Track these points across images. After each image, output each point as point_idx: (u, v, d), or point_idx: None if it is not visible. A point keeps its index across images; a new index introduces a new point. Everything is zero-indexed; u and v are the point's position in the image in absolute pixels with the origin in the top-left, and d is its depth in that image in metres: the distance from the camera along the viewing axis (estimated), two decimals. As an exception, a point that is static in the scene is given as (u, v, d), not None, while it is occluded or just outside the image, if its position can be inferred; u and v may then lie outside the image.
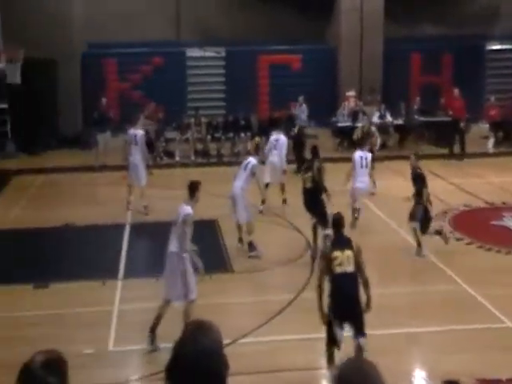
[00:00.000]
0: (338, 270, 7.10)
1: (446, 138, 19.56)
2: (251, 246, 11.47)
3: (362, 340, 7.10)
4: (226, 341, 8.24)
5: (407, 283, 10.29)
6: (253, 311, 9.37)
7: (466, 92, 21.54)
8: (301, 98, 19.94)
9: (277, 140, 14.70)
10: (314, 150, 12.03)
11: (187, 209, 8.42)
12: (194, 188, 8.54)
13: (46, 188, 16.31)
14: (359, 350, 7.11)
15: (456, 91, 19.59)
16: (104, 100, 19.17)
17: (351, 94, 20.82)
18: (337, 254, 7.14)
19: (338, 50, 22.15)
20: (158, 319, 8.37)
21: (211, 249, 12.07)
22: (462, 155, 18.87)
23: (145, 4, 21.63)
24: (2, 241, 12.72)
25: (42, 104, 19.86)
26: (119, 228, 12.94)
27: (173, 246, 8.49)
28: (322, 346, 8.28)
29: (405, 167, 17.52)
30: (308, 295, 9.76)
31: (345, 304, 7.16)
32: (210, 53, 22.28)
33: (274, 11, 21.78)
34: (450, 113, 19.58)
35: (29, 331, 8.85)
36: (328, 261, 7.17)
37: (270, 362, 8.04)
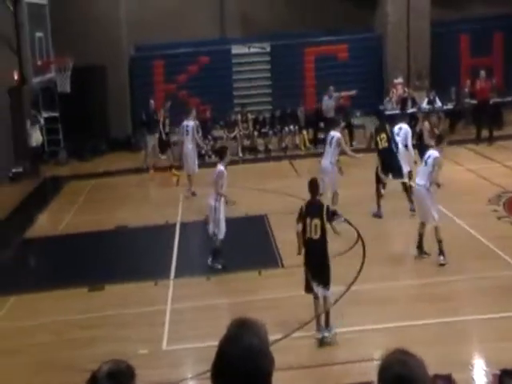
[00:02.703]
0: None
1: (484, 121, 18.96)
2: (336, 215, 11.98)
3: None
4: (278, 335, 8.30)
5: (462, 270, 10.02)
6: (304, 305, 9.29)
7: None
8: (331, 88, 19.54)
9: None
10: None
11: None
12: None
13: (98, 192, 16.63)
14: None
15: (482, 73, 19.14)
16: (152, 102, 19.39)
17: (399, 80, 20.44)
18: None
19: (384, 36, 21.79)
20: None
21: (261, 244, 12.11)
22: (490, 139, 18.21)
23: (188, 2, 21.79)
24: (56, 246, 13.06)
25: (92, 110, 20.29)
26: (170, 228, 13.08)
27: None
28: (371, 338, 8.22)
29: (456, 153, 17.23)
30: (359, 287, 9.69)
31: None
32: (254, 49, 22.25)
33: (317, 1, 21.57)
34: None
35: (84, 333, 9.06)
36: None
37: (323, 355, 8.01)
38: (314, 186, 8.41)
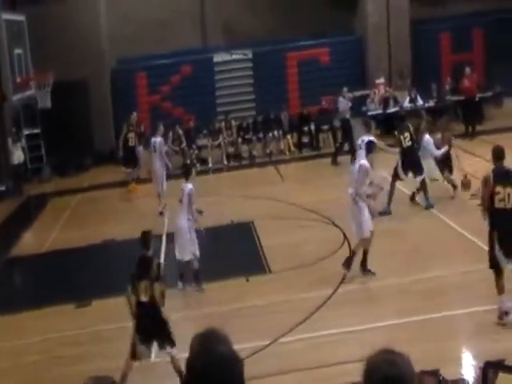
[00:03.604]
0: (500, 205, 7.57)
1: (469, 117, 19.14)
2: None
3: None
4: (267, 341, 8.24)
5: (447, 266, 10.02)
6: (292, 309, 9.29)
7: (499, 66, 21.07)
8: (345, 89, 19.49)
9: None
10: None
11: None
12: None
13: (83, 207, 16.53)
14: None
15: (467, 69, 19.34)
16: (134, 114, 19.33)
17: (381, 81, 20.52)
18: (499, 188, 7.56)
19: (364, 38, 21.89)
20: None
21: (248, 251, 12.08)
22: (473, 133, 18.40)
23: (169, 13, 21.76)
24: (42, 263, 12.98)
25: (75, 125, 20.17)
26: (156, 240, 12.96)
27: None
28: (363, 338, 8.19)
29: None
30: (346, 289, 9.67)
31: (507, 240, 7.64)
32: (236, 56, 22.27)
33: (298, 6, 21.63)
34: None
35: (72, 350, 8.99)
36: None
37: (311, 358, 8.00)
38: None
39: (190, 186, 10.31)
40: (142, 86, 21.95)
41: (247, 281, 10.55)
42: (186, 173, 10.77)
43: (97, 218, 15.19)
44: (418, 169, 12.80)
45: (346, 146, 17.56)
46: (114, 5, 21.44)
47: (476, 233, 11.10)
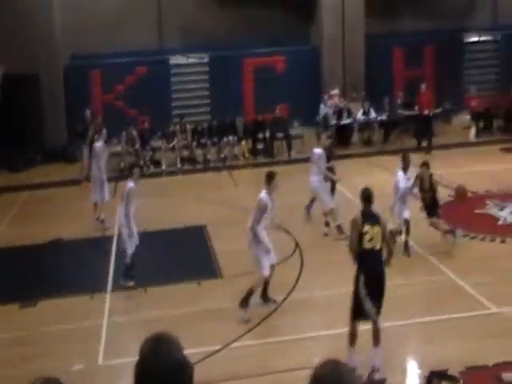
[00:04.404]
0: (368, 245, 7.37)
1: (424, 132, 19.57)
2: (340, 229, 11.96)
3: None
4: (217, 346, 8.25)
5: (393, 276, 10.23)
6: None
7: (448, 83, 21.75)
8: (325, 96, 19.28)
9: None
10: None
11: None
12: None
13: (31, 204, 16.13)
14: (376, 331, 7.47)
15: (423, 86, 19.83)
16: (88, 112, 19.08)
17: (335, 92, 20.77)
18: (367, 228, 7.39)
19: (320, 49, 22.14)
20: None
21: (200, 255, 12.06)
22: (429, 148, 18.80)
23: (126, 12, 21.54)
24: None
25: (25, 119, 19.71)
26: (107, 240, 12.83)
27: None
28: (313, 345, 8.30)
29: (389, 162, 17.62)
30: (298, 295, 9.77)
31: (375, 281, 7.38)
32: (193, 59, 22.23)
33: (256, 13, 21.75)
34: (416, 107, 19.85)
35: (18, 351, 8.79)
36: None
37: (262, 364, 8.04)
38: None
39: (131, 184, 10.45)
40: (95, 83, 21.63)
41: (199, 285, 10.55)
42: (129, 172, 10.97)
43: (45, 217, 14.83)
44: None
45: None
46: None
47: (423, 245, 11.44)
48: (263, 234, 9.21)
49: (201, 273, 11.10)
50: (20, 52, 19.30)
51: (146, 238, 11.44)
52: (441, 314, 8.96)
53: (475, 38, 23.48)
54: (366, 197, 7.63)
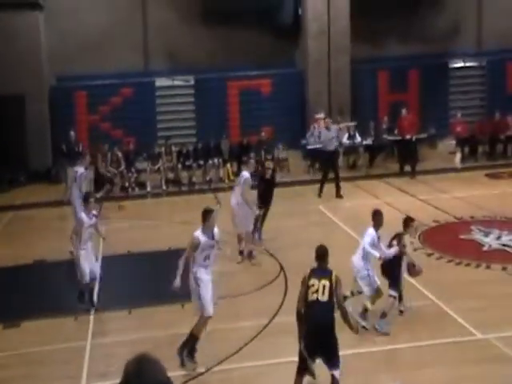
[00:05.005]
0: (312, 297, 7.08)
1: (407, 157, 19.72)
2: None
3: (336, 373, 6.98)
4: (201, 369, 8.16)
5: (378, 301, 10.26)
6: (226, 338, 9.29)
7: (433, 109, 22.01)
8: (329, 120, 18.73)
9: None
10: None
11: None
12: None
13: (15, 225, 16.07)
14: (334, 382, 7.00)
15: (403, 111, 20.03)
16: (72, 133, 19.09)
17: (320, 115, 20.93)
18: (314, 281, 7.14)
19: (306, 72, 22.35)
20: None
21: (184, 277, 11.97)
22: (413, 173, 18.96)
23: (112, 34, 21.68)
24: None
25: (10, 141, 19.70)
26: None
27: None
28: (295, 369, 8.25)
29: (374, 187, 17.78)
30: (281, 319, 9.76)
31: (316, 334, 7.01)
32: (178, 81, 22.36)
33: (243, 36, 21.96)
34: (396, 132, 20.07)
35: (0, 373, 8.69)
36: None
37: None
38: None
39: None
40: (81, 104, 21.69)
41: (182, 307, 10.50)
42: (85, 199, 11.22)
43: (28, 237, 14.77)
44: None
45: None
46: (54, 21, 21.12)
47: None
48: (201, 272, 8.84)
49: (184, 295, 11.01)
50: (5, 73, 19.36)
51: (131, 259, 11.41)
52: (425, 339, 8.96)
53: (460, 64, 23.80)
54: (320, 254, 7.43)
